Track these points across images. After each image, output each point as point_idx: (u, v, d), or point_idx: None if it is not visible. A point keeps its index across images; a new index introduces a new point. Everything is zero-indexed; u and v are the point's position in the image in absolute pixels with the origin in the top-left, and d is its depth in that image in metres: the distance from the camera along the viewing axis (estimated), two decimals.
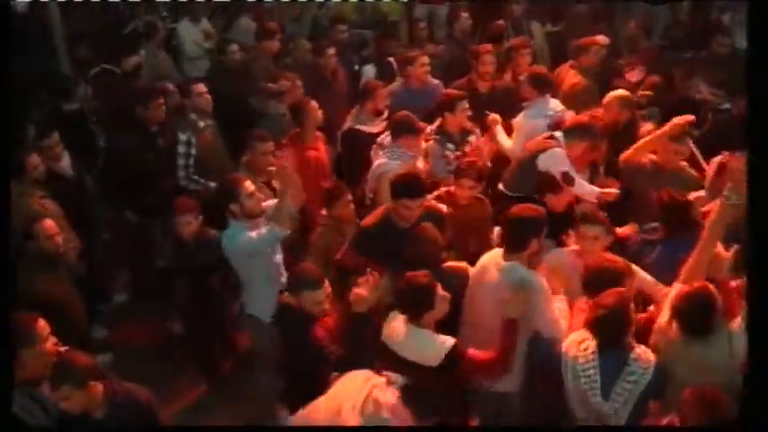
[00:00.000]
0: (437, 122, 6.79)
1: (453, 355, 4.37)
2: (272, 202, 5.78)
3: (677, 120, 5.85)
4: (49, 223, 5.43)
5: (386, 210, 5.49)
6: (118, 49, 8.44)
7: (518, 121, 6.92)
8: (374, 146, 6.68)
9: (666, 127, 5.91)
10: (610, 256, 4.73)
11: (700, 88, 7.51)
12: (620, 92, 6.85)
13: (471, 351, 4.44)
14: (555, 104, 7.07)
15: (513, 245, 4.81)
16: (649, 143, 6.02)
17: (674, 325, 4.27)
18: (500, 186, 6.45)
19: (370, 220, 5.57)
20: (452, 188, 6.00)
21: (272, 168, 5.94)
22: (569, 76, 7.79)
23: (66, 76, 8.30)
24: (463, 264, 5.13)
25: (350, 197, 5.87)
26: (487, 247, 5.46)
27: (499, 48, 8.34)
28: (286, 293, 4.99)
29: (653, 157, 6.03)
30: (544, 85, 7.05)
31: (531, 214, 4.86)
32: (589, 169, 6.42)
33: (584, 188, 6.07)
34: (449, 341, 4.41)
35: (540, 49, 8.95)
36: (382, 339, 4.47)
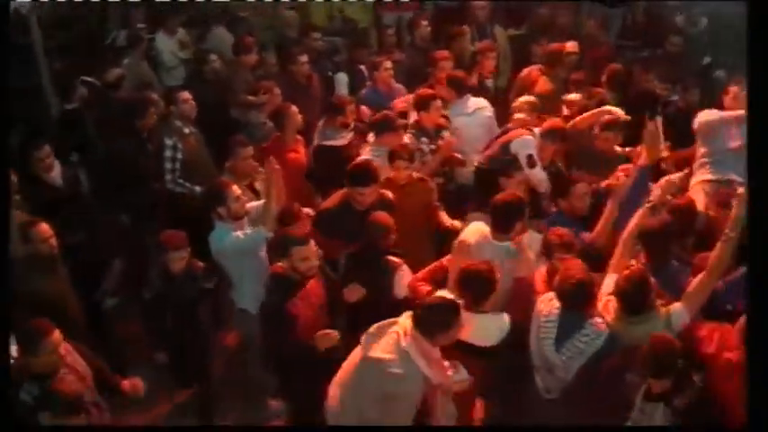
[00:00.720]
0: (413, 119, 7.19)
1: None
2: (255, 203, 6.09)
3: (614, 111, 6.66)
4: (43, 227, 5.59)
5: (344, 194, 5.99)
6: (100, 60, 8.64)
7: None
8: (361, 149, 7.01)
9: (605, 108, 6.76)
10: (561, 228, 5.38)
11: (654, 83, 7.96)
12: (528, 98, 7.39)
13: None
14: (475, 102, 7.51)
15: (500, 228, 5.36)
16: (594, 114, 6.77)
17: (611, 305, 4.75)
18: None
19: (329, 202, 6.10)
20: (391, 174, 6.39)
21: (261, 170, 6.22)
22: (541, 81, 8.16)
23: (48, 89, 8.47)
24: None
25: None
26: (435, 224, 6.11)
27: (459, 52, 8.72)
28: (278, 263, 5.36)
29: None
30: (461, 88, 7.49)
31: (512, 199, 5.46)
32: None
33: (540, 176, 6.57)
34: (505, 316, 4.85)
35: (503, 51, 9.30)
36: None
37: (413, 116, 7.27)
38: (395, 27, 10.15)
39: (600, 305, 4.85)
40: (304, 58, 8.32)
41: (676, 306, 4.68)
